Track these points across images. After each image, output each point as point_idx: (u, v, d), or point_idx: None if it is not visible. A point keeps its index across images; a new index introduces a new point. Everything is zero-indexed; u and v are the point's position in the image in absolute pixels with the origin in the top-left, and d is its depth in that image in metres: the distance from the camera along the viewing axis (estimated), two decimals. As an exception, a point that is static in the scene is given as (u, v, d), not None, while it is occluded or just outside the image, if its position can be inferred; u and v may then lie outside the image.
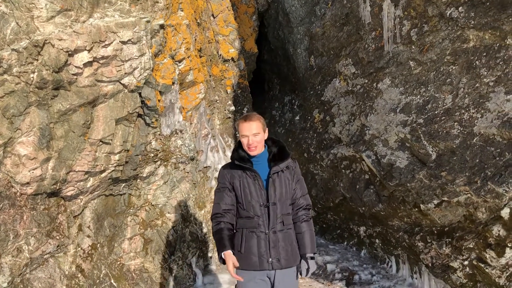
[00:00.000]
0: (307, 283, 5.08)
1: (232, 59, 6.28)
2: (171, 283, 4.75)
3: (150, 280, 4.56)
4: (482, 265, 3.90)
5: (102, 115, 3.98)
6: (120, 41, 3.92)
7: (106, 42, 3.83)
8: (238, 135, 6.44)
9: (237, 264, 2.81)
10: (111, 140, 4.04)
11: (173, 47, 4.50)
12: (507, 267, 3.73)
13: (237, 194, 2.91)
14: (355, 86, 5.72)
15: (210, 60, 5.91)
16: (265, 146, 2.94)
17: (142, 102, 4.26)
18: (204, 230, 5.31)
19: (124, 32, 3.93)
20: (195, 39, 5.11)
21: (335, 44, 6.19)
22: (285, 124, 7.42)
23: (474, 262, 3.97)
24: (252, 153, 2.84)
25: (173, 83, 4.53)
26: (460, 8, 4.33)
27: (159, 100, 4.38)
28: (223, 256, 2.83)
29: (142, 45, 4.07)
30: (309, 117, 6.76)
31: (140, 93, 4.22)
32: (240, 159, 2.93)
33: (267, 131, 2.93)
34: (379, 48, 5.27)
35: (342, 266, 5.52)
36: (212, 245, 5.44)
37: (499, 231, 3.72)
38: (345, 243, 6.41)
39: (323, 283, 5.07)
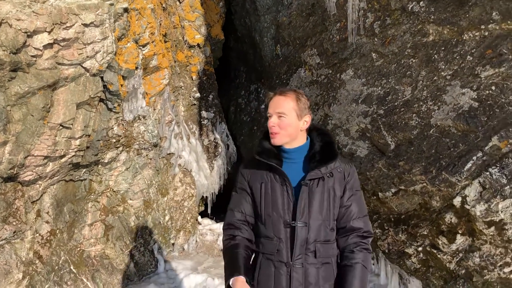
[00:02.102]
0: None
1: (198, 45, 6.23)
2: (133, 269, 4.73)
3: (111, 267, 4.53)
4: (435, 251, 4.08)
5: (62, 99, 3.89)
6: (82, 24, 3.83)
7: (68, 24, 3.73)
8: (203, 122, 6.43)
9: None
10: (72, 124, 3.97)
11: (137, 31, 4.43)
12: (457, 252, 3.91)
13: (256, 202, 2.11)
14: (319, 76, 5.79)
15: (175, 45, 5.84)
16: (307, 139, 2.15)
17: (104, 86, 4.19)
18: (167, 217, 5.30)
19: (87, 14, 3.84)
20: (160, 24, 5.04)
21: (301, 34, 6.23)
22: (251, 112, 7.44)
23: (428, 248, 4.14)
24: (272, 142, 2.07)
25: (137, 68, 4.47)
26: (421, 3, 4.45)
27: (121, 85, 4.32)
28: (231, 284, 2.02)
29: (105, 28, 3.99)
30: (274, 106, 6.80)
31: (102, 77, 4.15)
32: (263, 152, 2.11)
33: (308, 117, 2.10)
34: (343, 40, 5.36)
35: (303, 252, 5.64)
36: (174, 231, 5.44)
37: (451, 218, 3.89)
38: (307, 230, 6.54)
39: (284, 269, 5.16)
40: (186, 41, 6.04)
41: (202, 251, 5.73)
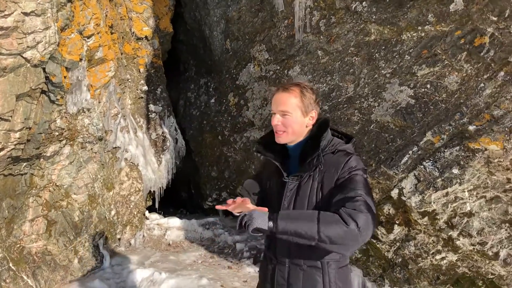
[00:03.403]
0: (216, 262, 5.22)
1: (146, 37, 6.15)
2: (76, 265, 4.64)
3: (54, 263, 4.43)
4: (374, 241, 4.28)
5: (1, 90, 3.75)
6: (22, 12, 3.69)
7: (6, 12, 3.59)
8: (150, 116, 6.37)
9: (231, 207, 1.94)
10: (11, 116, 3.83)
11: (82, 22, 4.33)
12: (394, 242, 4.13)
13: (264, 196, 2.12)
14: (268, 71, 5.88)
15: (122, 37, 5.74)
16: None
17: (47, 78, 4.07)
18: (113, 212, 5.22)
19: (27, 2, 3.71)
20: (106, 15, 4.94)
21: (250, 29, 6.29)
22: (200, 106, 7.43)
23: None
24: (278, 140, 1.99)
25: (81, 60, 4.37)
26: (364, 3, 4.62)
27: (65, 77, 4.20)
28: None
29: (47, 18, 3.87)
30: (224, 100, 6.84)
31: (44, 69, 4.02)
32: (267, 146, 2.07)
33: (315, 112, 1.99)
34: (290, 36, 5.47)
35: (251, 245, 5.73)
36: (121, 226, 5.38)
37: (389, 209, 4.10)
38: (255, 223, 6.63)
39: (231, 261, 5.23)
40: (133, 33, 5.95)
41: (150, 246, 5.70)
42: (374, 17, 4.53)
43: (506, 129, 3.38)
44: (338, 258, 1.92)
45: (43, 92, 4.12)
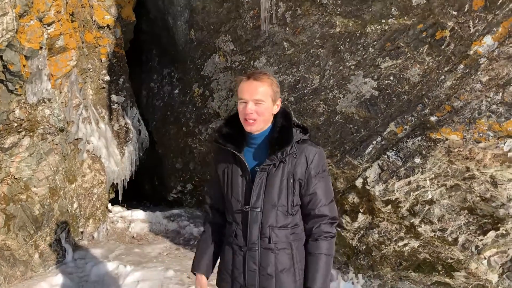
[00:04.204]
0: (182, 254, 5.20)
1: (108, 26, 5.98)
2: (37, 260, 4.50)
3: (13, 258, 4.28)
4: (339, 229, 4.37)
5: (-46, 79, 3.57)
6: (-24, -3, 3.52)
7: (-41, -4, 3.41)
8: (113, 106, 6.22)
9: None
10: (-34, 106, 3.65)
11: (41, 8, 4.16)
12: (359, 230, 4.24)
13: (222, 187, 2.15)
14: (233, 62, 5.87)
15: (83, 25, 5.57)
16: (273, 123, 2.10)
17: (4, 66, 3.90)
18: (75, 205, 5.09)
19: (-18, -14, 3.54)
20: (67, 2, 4.77)
21: (215, 19, 6.24)
22: (164, 97, 7.33)
23: (333, 227, 4.43)
24: (248, 129, 2.02)
25: (41, 48, 4.20)
26: (329, -5, 4.68)
27: (24, 66, 4.04)
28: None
29: (4, 4, 3.70)
30: (188, 91, 6.77)
31: (1, 57, 3.85)
32: (226, 137, 2.09)
33: (280, 101, 2.09)
34: (256, 27, 5.47)
35: (217, 236, 5.73)
36: (83, 219, 5.25)
37: (353, 198, 4.19)
38: (220, 214, 6.63)
39: (197, 253, 5.22)
40: (95, 21, 5.78)
41: (113, 239, 5.60)
42: (339, 9, 4.60)
43: (466, 119, 3.53)
44: (302, 237, 2.10)
45: (0, 81, 3.95)
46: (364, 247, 4.25)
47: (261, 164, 2.03)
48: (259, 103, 1.99)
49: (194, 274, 2.26)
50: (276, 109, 2.07)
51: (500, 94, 3.47)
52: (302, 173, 2.02)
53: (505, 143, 3.36)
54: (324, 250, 2.03)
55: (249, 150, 2.08)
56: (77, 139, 5.12)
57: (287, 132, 2.03)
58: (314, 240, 2.06)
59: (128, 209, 6.31)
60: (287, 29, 5.05)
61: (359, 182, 4.11)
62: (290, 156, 2.01)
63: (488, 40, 3.60)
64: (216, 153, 2.23)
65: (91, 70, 5.70)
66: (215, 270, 2.28)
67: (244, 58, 5.65)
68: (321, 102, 4.56)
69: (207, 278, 2.24)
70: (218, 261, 2.25)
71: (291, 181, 2.01)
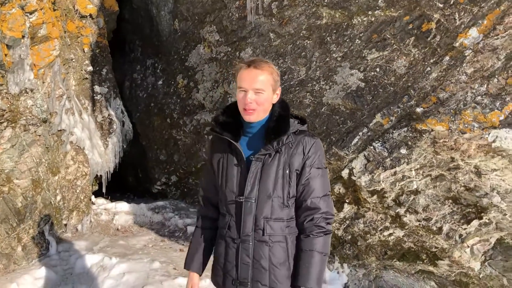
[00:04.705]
0: (167, 245, 5.18)
1: (91, 15, 5.87)
2: (20, 253, 4.43)
3: (-5, 252, 4.20)
4: (325, 220, 4.41)
5: None
6: (-45, -18, 3.41)
7: None
8: (96, 97, 6.12)
9: None
10: None
11: (23, -4, 4.06)
12: (344, 220, 4.28)
13: (216, 177, 2.08)
14: (219, 53, 5.83)
15: (65, 14, 5.45)
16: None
17: (-15, 55, 3.80)
18: (58, 197, 5.01)
19: (-39, -28, 3.43)
20: (49, -10, 4.66)
21: (200, 9, 6.18)
22: (148, 88, 7.25)
23: (319, 218, 4.46)
24: (247, 119, 1.97)
25: (23, 37, 4.10)
26: (316, -14, 4.67)
27: (6, 55, 3.94)
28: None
29: (-16, -10, 3.60)
30: (172, 82, 6.71)
31: (-19, 45, 3.75)
32: (223, 125, 2.04)
33: (279, 91, 2.03)
34: (242, 18, 5.44)
35: (202, 227, 5.72)
36: (67, 212, 5.18)
37: (339, 189, 4.23)
38: (205, 206, 6.62)
39: (183, 244, 5.21)
40: (77, 10, 5.66)
41: (97, 231, 5.54)
42: (326, 0, 4.60)
43: (451, 111, 3.58)
44: (297, 231, 2.01)
45: (-19, 70, 3.85)
46: (349, 237, 4.30)
47: (252, 154, 1.97)
48: (259, 93, 1.92)
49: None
50: (275, 98, 2.01)
51: (485, 85, 3.52)
52: (299, 163, 1.95)
53: (489, 133, 3.42)
54: (318, 247, 1.93)
55: (246, 139, 2.02)
56: (60, 130, 5.03)
57: (284, 122, 1.97)
58: (306, 235, 1.96)
59: (112, 201, 6.24)
60: (274, 20, 5.03)
61: (345, 173, 4.15)
62: (286, 146, 1.95)
63: (473, 32, 3.65)
64: (212, 142, 2.16)
65: (73, 60, 5.59)
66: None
67: (229, 49, 5.62)
68: (308, 94, 4.57)
69: (200, 275, 2.19)
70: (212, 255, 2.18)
71: (287, 171, 1.95)
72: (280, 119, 1.98)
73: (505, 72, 3.44)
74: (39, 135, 4.60)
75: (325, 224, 1.96)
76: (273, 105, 2.02)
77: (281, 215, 1.96)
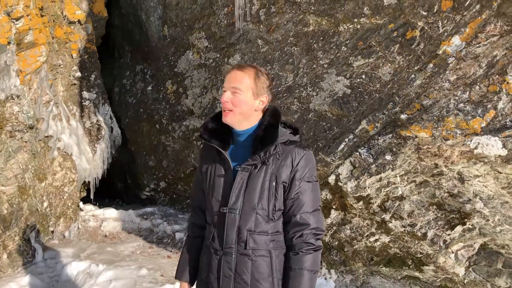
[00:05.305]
0: (155, 252, 5.16)
1: (79, 21, 5.87)
2: (6, 261, 4.40)
3: (-20, 259, 4.17)
4: (312, 226, 4.42)
5: None
6: None
7: None
8: (84, 103, 6.12)
9: None
10: None
11: (9, 3, 4.05)
12: (331, 226, 4.30)
13: (204, 186, 2.03)
14: (207, 59, 5.84)
15: (54, 20, 5.44)
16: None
17: (-30, 61, 3.79)
18: (45, 204, 4.99)
19: None
20: (36, -4, 4.66)
21: (189, 16, 6.19)
22: (137, 94, 7.24)
23: (306, 224, 4.48)
24: (224, 120, 1.93)
25: (9, 43, 4.09)
26: (303, -6, 4.71)
27: (-9, 61, 3.94)
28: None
29: (-31, -4, 3.59)
30: (162, 88, 6.71)
31: (-34, 51, 3.74)
32: (211, 132, 1.99)
33: (265, 97, 1.94)
34: (230, 25, 5.46)
35: (191, 234, 5.70)
36: (54, 219, 5.15)
37: (326, 195, 4.25)
38: (194, 212, 6.61)
39: (171, 251, 5.20)
40: (65, 16, 5.65)
41: (85, 238, 5.51)
42: (312, 8, 4.64)
43: (435, 117, 3.62)
44: (283, 246, 1.94)
45: (-34, 76, 3.83)
46: (336, 243, 4.32)
47: (238, 164, 1.91)
48: (236, 92, 1.88)
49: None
50: (259, 105, 1.93)
51: (467, 93, 3.57)
52: (287, 176, 1.87)
53: (471, 140, 3.46)
54: (307, 265, 1.85)
55: (234, 148, 1.96)
56: (47, 136, 5.01)
57: (271, 131, 1.90)
58: (295, 253, 1.88)
59: (100, 208, 6.22)
60: (261, 26, 5.06)
61: (331, 179, 4.17)
62: (274, 157, 1.88)
63: (456, 40, 3.70)
64: (202, 149, 2.12)
65: (61, 66, 5.58)
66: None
67: (218, 55, 5.64)
68: (295, 100, 4.60)
69: (192, 285, 2.13)
70: None
71: (274, 183, 1.87)
72: (268, 128, 1.91)
73: (487, 80, 3.49)
74: (26, 141, 4.59)
75: (315, 241, 1.88)
76: (264, 113, 1.97)
77: (265, 228, 1.89)
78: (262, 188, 1.87)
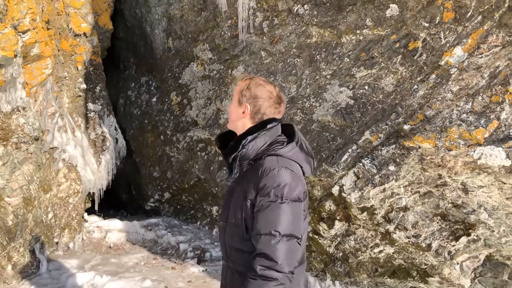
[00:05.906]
0: (159, 263, 5.16)
1: (85, 34, 5.94)
2: (10, 272, 4.41)
3: (-15, 270, 4.18)
4: (316, 237, 4.42)
5: None
6: None
7: None
8: (89, 115, 6.16)
9: None
10: None
11: (16, 16, 4.11)
12: (335, 237, 4.29)
13: None
14: (211, 71, 5.89)
15: (59, 33, 5.51)
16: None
17: (-23, 74, 3.83)
18: (50, 215, 5.00)
19: (-46, -7, 3.48)
20: (42, 10, 4.72)
21: (193, 28, 6.26)
22: (142, 105, 7.29)
23: (310, 235, 4.47)
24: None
25: (16, 56, 4.14)
26: (305, 6, 4.76)
27: (-3, 73, 3.98)
28: None
29: (-23, 11, 3.65)
30: (166, 99, 6.76)
31: (-26, 64, 3.79)
32: (220, 140, 2.00)
33: (246, 109, 1.87)
34: (234, 36, 5.51)
35: (195, 244, 5.71)
36: (59, 230, 5.16)
37: (330, 206, 4.25)
38: (198, 222, 6.62)
39: (175, 262, 5.19)
40: (71, 29, 5.73)
41: (89, 249, 5.52)
42: (315, 20, 4.68)
43: (438, 128, 3.62)
44: None
45: (-27, 89, 3.88)
46: (340, 254, 4.30)
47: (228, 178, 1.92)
48: (232, 101, 1.92)
49: None
50: (241, 114, 1.87)
51: (470, 103, 3.57)
52: (252, 193, 1.74)
53: (475, 151, 3.46)
54: None
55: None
56: (52, 148, 5.05)
57: (234, 144, 1.83)
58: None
59: (104, 219, 6.23)
60: (265, 38, 5.10)
61: (335, 190, 4.17)
62: (246, 173, 1.80)
63: (458, 51, 3.72)
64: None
65: (67, 78, 5.64)
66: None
67: (222, 67, 5.68)
68: (298, 111, 4.61)
69: None
70: None
71: (243, 199, 1.76)
72: (238, 139, 1.84)
73: (489, 90, 3.50)
74: (31, 153, 4.62)
75: (259, 269, 1.64)
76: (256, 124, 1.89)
77: (242, 246, 1.79)
78: (235, 204, 1.81)
